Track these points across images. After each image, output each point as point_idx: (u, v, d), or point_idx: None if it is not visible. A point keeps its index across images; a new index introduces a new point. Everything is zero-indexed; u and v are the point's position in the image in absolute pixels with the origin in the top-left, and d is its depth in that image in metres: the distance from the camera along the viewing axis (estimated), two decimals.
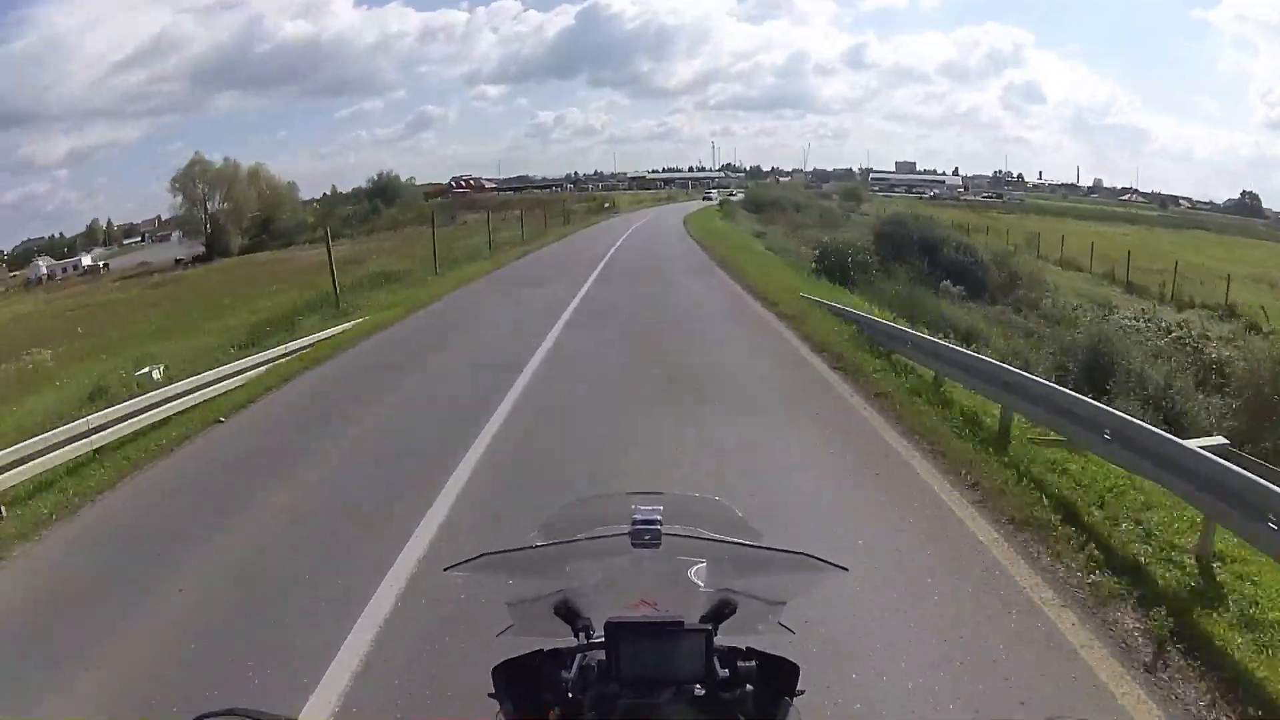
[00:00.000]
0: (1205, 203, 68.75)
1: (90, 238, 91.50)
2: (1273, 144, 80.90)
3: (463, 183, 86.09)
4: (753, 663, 1.33)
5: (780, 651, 1.39)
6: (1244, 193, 68.65)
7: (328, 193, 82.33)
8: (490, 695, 1.38)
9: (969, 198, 70.11)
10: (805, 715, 1.36)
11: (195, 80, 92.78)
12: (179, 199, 72.96)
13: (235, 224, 73.05)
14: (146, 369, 15.63)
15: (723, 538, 1.40)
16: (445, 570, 1.48)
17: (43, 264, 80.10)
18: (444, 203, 76.37)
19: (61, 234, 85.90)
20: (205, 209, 73.07)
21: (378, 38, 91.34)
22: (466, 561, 1.42)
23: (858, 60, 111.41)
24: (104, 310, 38.93)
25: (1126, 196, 71.53)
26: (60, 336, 30.43)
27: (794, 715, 1.34)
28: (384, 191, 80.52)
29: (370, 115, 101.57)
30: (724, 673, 1.30)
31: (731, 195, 70.48)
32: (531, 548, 1.46)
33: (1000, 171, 76.89)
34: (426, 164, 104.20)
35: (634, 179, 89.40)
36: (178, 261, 61.72)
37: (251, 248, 70.50)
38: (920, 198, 66.91)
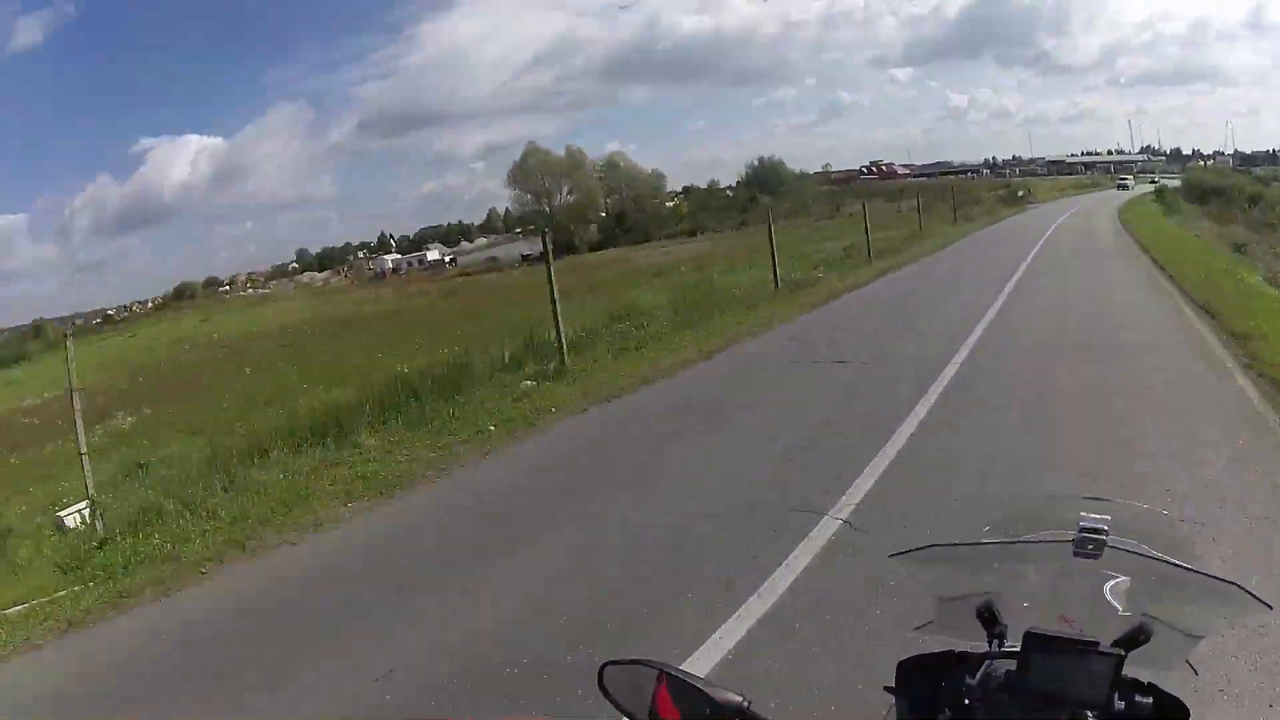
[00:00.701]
0: None
1: (486, 229, 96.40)
2: None
3: (874, 168, 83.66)
4: (1150, 699, 1.23)
5: (1174, 689, 1.25)
6: None
7: (708, 182, 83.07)
8: (887, 689, 1.35)
9: None
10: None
11: (604, 76, 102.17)
12: (515, 192, 73.12)
13: (581, 218, 70.77)
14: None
15: (1164, 557, 1.28)
16: (890, 556, 1.47)
17: (389, 258, 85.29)
18: (834, 191, 73.18)
19: (460, 222, 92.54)
20: (547, 202, 71.67)
21: (780, 27, 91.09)
22: (914, 550, 1.39)
23: (1258, 22, 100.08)
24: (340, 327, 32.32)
25: None
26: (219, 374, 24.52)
27: None
28: (764, 180, 76.30)
29: (783, 103, 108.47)
30: (1120, 705, 1.21)
31: (1154, 181, 64.68)
32: (978, 543, 1.39)
33: None
34: (843, 149, 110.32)
35: (1052, 163, 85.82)
36: (524, 258, 60.12)
37: (603, 243, 67.69)
38: None
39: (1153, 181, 67.58)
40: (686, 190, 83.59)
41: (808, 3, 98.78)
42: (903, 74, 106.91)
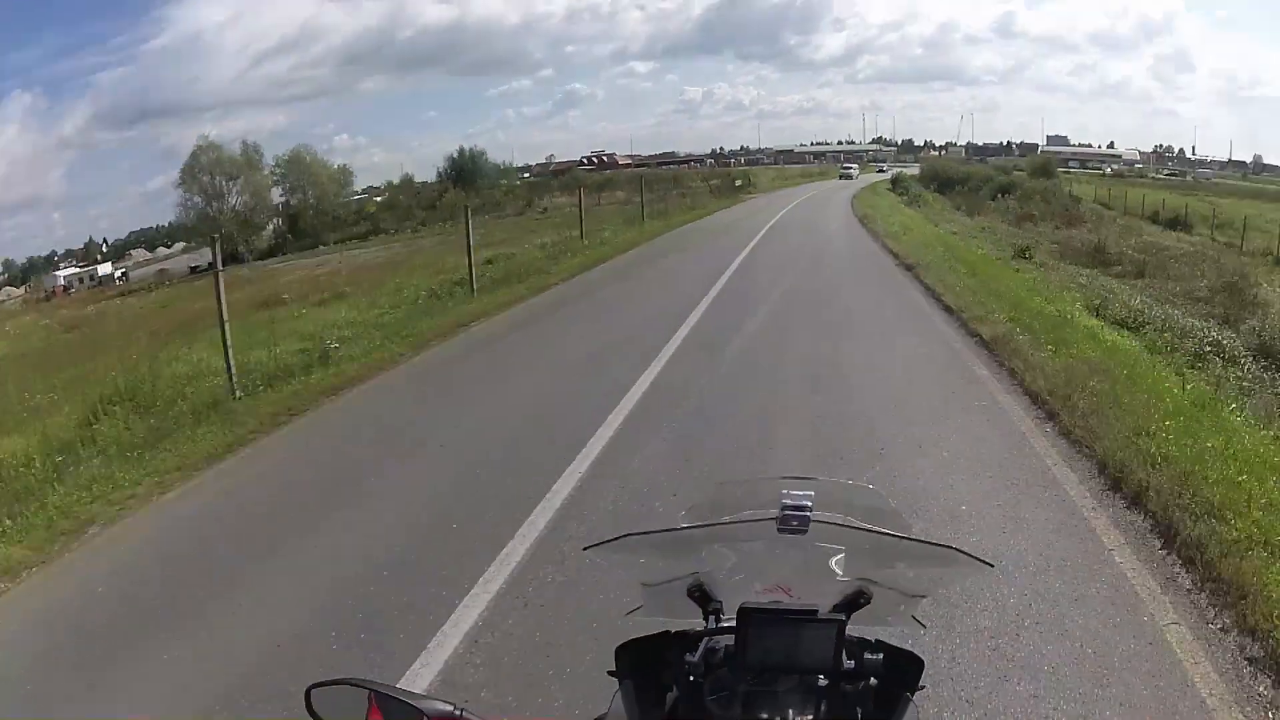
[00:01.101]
0: None
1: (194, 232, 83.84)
2: None
3: (594, 158, 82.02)
4: (879, 656, 1.29)
5: (908, 645, 1.32)
6: None
7: (399, 179, 73.98)
8: (610, 673, 1.32)
9: (1155, 176, 63.73)
10: (923, 709, 1.32)
11: (343, 66, 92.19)
12: (184, 193, 64.34)
13: (248, 223, 63.67)
14: None
15: (871, 527, 1.32)
16: (585, 550, 1.45)
17: (60, 273, 74.63)
18: (536, 182, 69.44)
19: (170, 223, 77.04)
20: (219, 205, 64.52)
21: (523, 18, 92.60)
22: (608, 541, 1.36)
23: (1007, 29, 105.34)
24: None
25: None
26: None
27: (913, 711, 1.28)
28: (463, 173, 69.50)
29: (518, 94, 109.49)
30: (850, 664, 1.25)
31: (882, 170, 64.10)
32: (676, 529, 1.37)
33: (1160, 146, 73.70)
34: (575, 141, 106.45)
35: (781, 152, 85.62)
36: (192, 270, 52.77)
37: (272, 250, 62.26)
38: (1102, 174, 62.18)
39: (880, 170, 65.33)
40: (390, 186, 73.68)
41: None
42: (643, 67, 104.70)
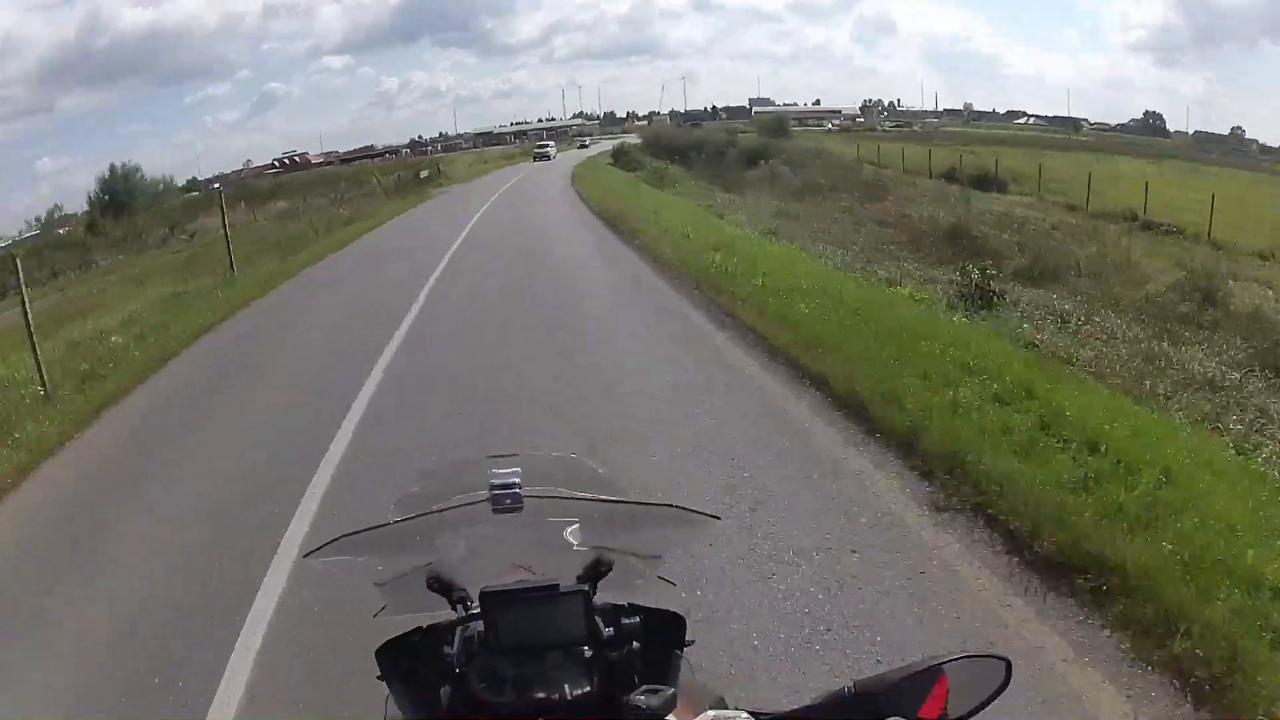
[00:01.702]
0: (1102, 124, 67.30)
1: None
2: (1126, 64, 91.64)
3: (285, 160, 78.31)
4: (637, 619, 1.24)
5: (667, 604, 1.31)
6: (1147, 113, 70.03)
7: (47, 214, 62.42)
8: (378, 678, 1.29)
9: (884, 129, 64.89)
10: (696, 662, 1.36)
11: (43, 80, 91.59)
12: None
13: None
14: None
15: (586, 495, 1.35)
16: (304, 557, 1.52)
17: None
18: (194, 200, 58.02)
19: None
20: None
21: (220, 19, 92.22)
22: (325, 546, 1.34)
23: (705, 3, 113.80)
24: None
25: (1023, 120, 70.85)
26: None
27: (685, 666, 1.30)
28: (114, 197, 57.94)
29: (216, 99, 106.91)
30: (609, 631, 1.22)
31: (585, 145, 60.50)
32: (388, 524, 1.35)
33: (870, 101, 76.17)
34: (274, 144, 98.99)
35: (480, 135, 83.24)
36: None
37: None
38: (826, 131, 62.08)
39: (582, 145, 60.51)
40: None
41: None
42: (338, 61, 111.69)
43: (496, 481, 1.26)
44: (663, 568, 1.41)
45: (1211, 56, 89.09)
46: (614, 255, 13.17)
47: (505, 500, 1.26)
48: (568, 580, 1.21)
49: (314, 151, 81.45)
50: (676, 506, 1.32)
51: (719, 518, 1.41)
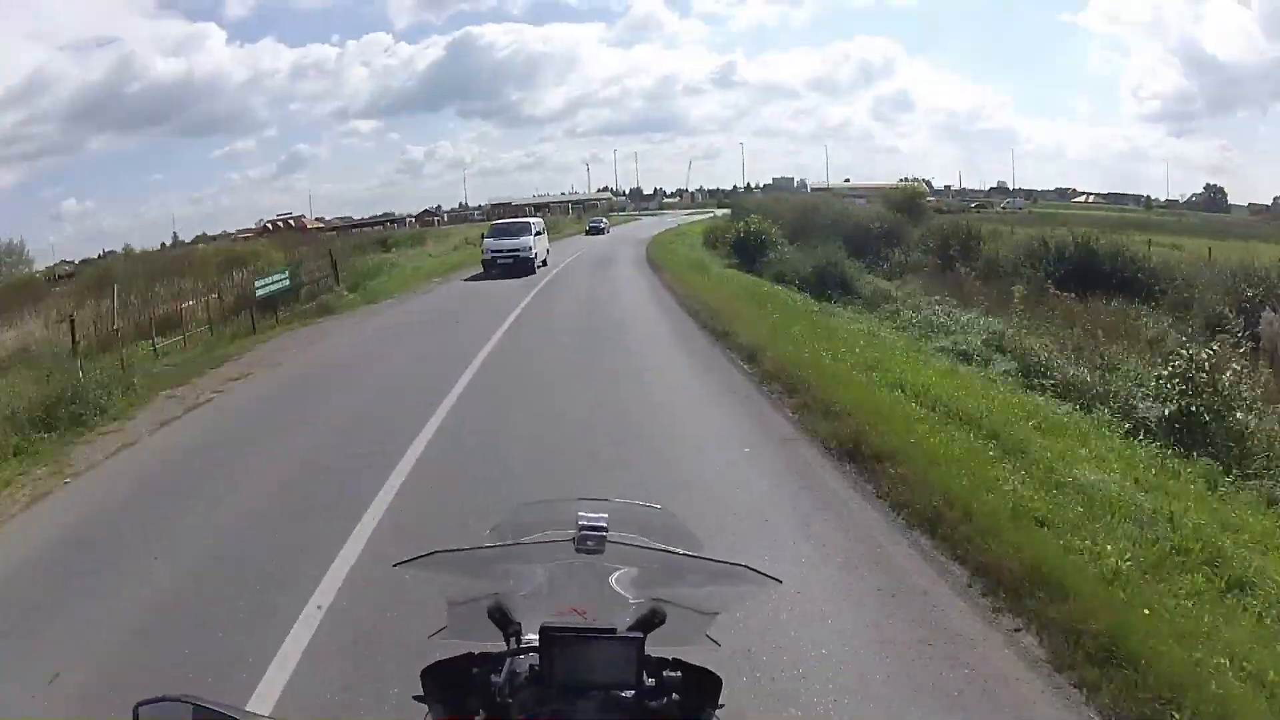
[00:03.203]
0: (1164, 200, 67.06)
1: None
2: (1144, 136, 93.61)
3: (278, 223, 71.82)
4: (678, 673, 1.30)
5: (705, 663, 1.34)
6: (1208, 186, 69.87)
7: None
8: (417, 698, 1.34)
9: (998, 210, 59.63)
10: None
11: (70, 121, 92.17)
12: None
13: None
14: None
15: (664, 547, 1.37)
16: (395, 566, 1.43)
17: None
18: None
19: None
20: None
21: (250, 74, 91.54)
22: (417, 559, 1.36)
23: (727, 79, 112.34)
24: None
25: (1081, 199, 69.90)
26: None
27: None
28: None
29: (242, 155, 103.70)
30: (650, 682, 1.27)
31: (597, 226, 53.03)
32: (480, 548, 1.43)
33: (908, 179, 68.79)
34: (298, 204, 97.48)
35: (496, 206, 75.68)
36: None
37: None
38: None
39: (595, 230, 52.41)
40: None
41: (281, 51, 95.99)
42: (366, 126, 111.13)
43: (585, 523, 1.29)
44: (711, 626, 1.42)
45: (1224, 124, 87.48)
46: None
47: (589, 542, 1.28)
48: (623, 627, 1.27)
49: (311, 215, 75.98)
50: (747, 567, 1.32)
51: (780, 580, 1.37)
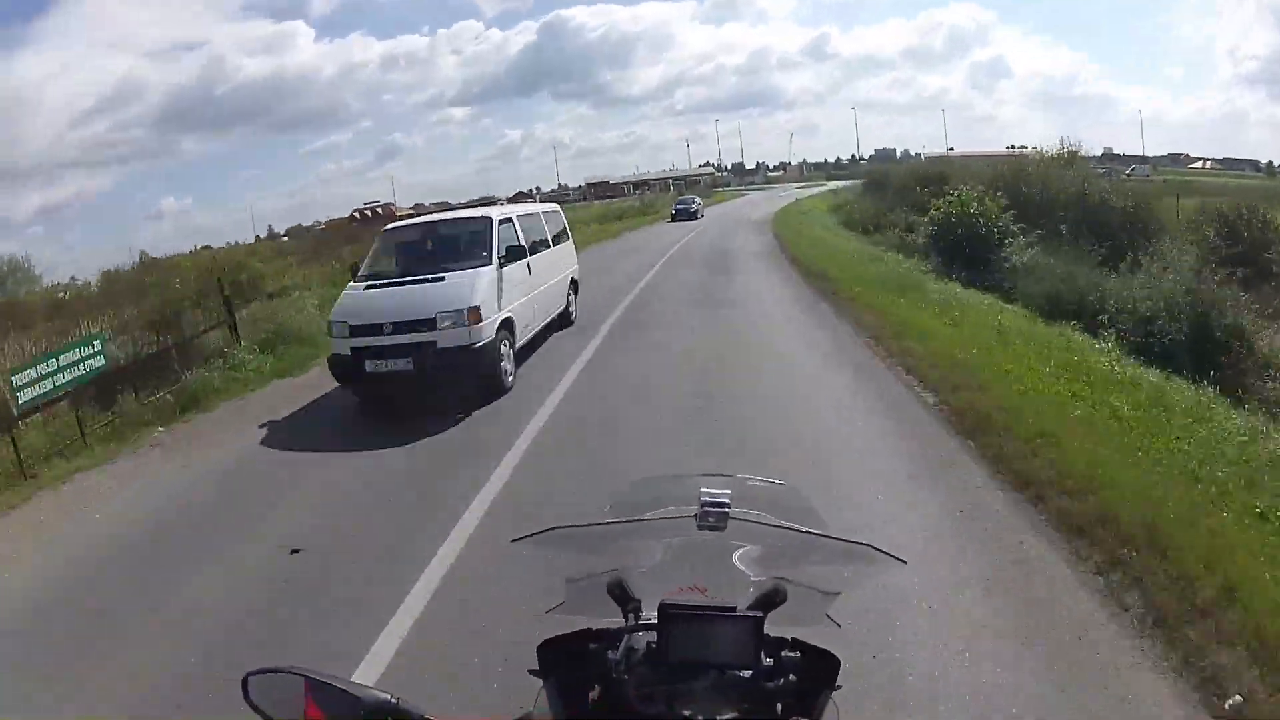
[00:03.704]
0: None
1: None
2: (1243, 98, 78.40)
3: (366, 212, 70.96)
4: (797, 654, 1.28)
5: (824, 643, 1.29)
6: None
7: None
8: (532, 672, 1.32)
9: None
10: (843, 707, 1.29)
11: (161, 124, 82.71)
12: None
13: None
14: None
15: (788, 524, 1.34)
16: (513, 541, 1.44)
17: None
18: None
19: None
20: None
21: (340, 68, 75.43)
22: (536, 534, 1.38)
23: (820, 52, 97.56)
24: None
25: (1198, 165, 65.94)
26: None
27: (832, 708, 1.29)
28: None
29: (338, 147, 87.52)
30: (768, 662, 1.25)
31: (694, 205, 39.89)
32: (600, 524, 1.40)
33: (1015, 147, 64.50)
34: (398, 192, 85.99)
35: (592, 185, 77.05)
36: None
37: None
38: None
39: (686, 212, 40.03)
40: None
41: (371, 43, 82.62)
42: (459, 113, 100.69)
43: (708, 499, 1.28)
44: (833, 606, 1.38)
45: None
46: None
47: (711, 518, 1.28)
48: (743, 605, 1.23)
49: (398, 203, 73.98)
50: (872, 547, 1.31)
51: (905, 561, 1.32)
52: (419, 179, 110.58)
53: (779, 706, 1.22)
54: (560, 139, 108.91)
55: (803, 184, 67.86)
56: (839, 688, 1.26)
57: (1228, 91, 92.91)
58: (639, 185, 76.05)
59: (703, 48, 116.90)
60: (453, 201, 66.23)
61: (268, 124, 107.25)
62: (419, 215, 14.73)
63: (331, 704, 1.12)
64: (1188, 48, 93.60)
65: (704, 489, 1.30)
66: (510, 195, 72.63)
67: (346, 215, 69.00)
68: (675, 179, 74.95)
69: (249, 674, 1.16)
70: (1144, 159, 66.19)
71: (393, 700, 1.11)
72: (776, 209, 37.13)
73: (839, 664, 1.27)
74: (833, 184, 60.95)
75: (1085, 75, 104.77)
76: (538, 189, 77.42)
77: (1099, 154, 63.74)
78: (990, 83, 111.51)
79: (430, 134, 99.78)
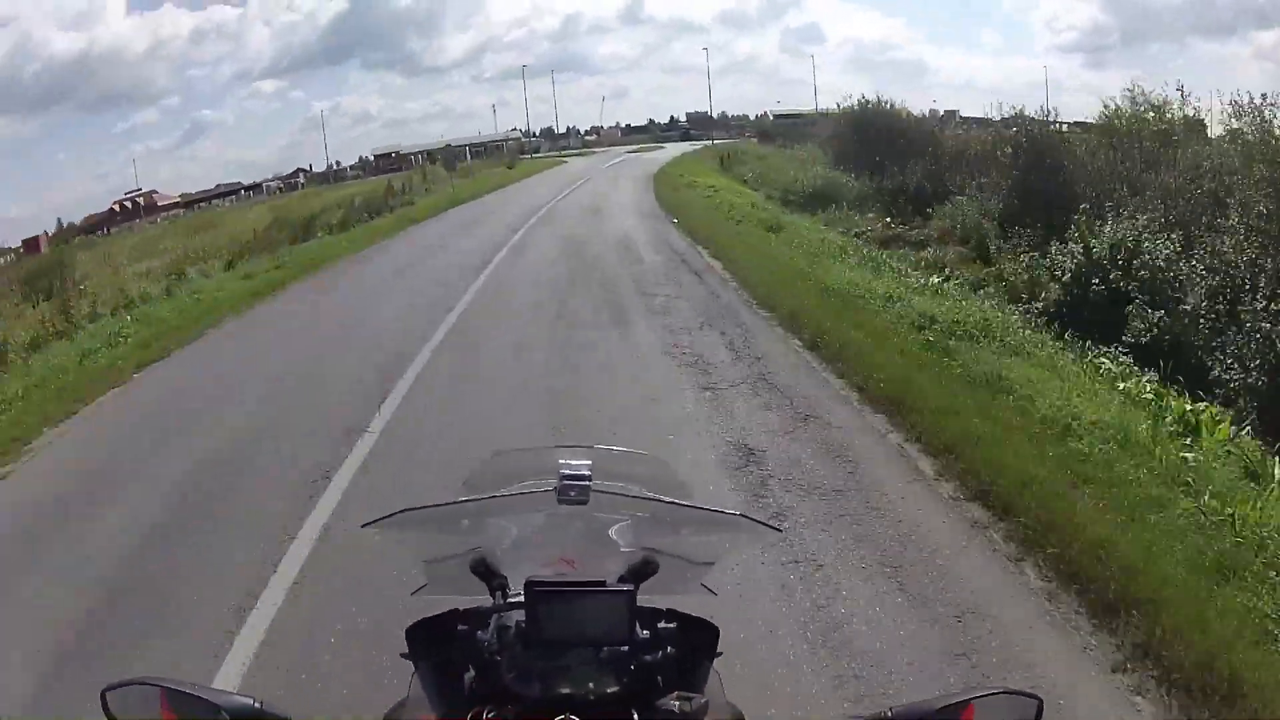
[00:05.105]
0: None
1: None
2: (1058, 66, 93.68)
3: (124, 204, 63.10)
4: (673, 625, 1.26)
5: (700, 613, 1.29)
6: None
7: None
8: (404, 656, 1.27)
9: None
10: (724, 674, 1.31)
11: None
12: None
13: None
14: None
15: (654, 495, 1.29)
16: (363, 526, 1.35)
17: None
18: None
19: None
20: None
21: (150, 42, 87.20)
22: (385, 517, 1.28)
23: (633, 17, 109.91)
24: None
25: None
26: None
27: (714, 678, 1.29)
28: None
29: (145, 126, 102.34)
30: (644, 634, 1.23)
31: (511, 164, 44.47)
32: (453, 503, 1.33)
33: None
34: (203, 173, 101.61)
35: (380, 157, 71.50)
36: None
37: None
38: None
39: (511, 165, 47.02)
40: None
41: (180, 16, 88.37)
42: (269, 86, 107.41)
43: (567, 472, 1.23)
44: (707, 575, 1.37)
45: (1140, 54, 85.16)
46: None
47: (572, 492, 1.22)
48: (613, 578, 1.20)
49: (164, 191, 63.82)
50: (744, 516, 1.31)
51: (780, 529, 1.42)
52: (231, 156, 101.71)
53: (659, 679, 1.18)
54: (368, 110, 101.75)
55: (634, 148, 60.01)
56: (720, 654, 1.24)
57: (1046, 58, 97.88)
58: (432, 156, 68.38)
59: (514, 13, 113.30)
60: (244, 182, 65.28)
61: (72, 104, 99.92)
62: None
63: (189, 712, 1.07)
64: (1008, 18, 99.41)
65: (562, 460, 1.23)
66: (288, 173, 70.00)
67: (105, 209, 61.94)
68: (480, 145, 69.23)
69: (107, 688, 1.11)
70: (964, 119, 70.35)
71: (255, 704, 1.07)
72: (657, 207, 21.89)
73: (718, 633, 1.25)
74: (675, 146, 54.48)
75: (900, 40, 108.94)
76: (338, 162, 72.86)
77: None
78: (803, 46, 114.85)
79: (240, 109, 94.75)
